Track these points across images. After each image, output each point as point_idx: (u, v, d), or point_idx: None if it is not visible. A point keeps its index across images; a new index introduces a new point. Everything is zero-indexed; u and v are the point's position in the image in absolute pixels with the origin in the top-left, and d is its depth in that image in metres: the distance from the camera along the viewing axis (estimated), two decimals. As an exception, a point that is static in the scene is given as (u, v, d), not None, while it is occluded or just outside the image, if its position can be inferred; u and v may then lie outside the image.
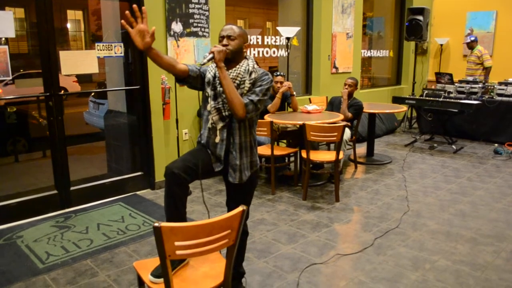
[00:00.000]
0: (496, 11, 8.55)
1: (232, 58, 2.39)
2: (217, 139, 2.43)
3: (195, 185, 4.75)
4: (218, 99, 2.41)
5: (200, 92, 2.52)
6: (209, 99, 2.43)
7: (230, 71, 2.39)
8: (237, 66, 2.41)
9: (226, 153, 2.45)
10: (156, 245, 1.68)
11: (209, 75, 2.45)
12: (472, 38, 7.92)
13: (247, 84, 2.39)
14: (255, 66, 2.45)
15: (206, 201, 4.50)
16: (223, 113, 2.40)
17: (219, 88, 2.40)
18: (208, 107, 2.44)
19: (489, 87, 7.05)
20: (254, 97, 2.36)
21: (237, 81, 2.39)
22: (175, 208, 2.30)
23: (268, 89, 2.42)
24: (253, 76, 2.40)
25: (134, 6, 2.14)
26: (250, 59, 2.46)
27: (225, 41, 2.38)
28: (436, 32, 9.41)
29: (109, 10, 4.95)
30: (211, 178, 5.18)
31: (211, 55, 2.29)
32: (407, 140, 7.32)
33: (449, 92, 7.19)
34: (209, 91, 2.44)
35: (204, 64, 2.32)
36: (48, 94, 4.06)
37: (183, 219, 2.34)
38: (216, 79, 2.41)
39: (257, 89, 2.38)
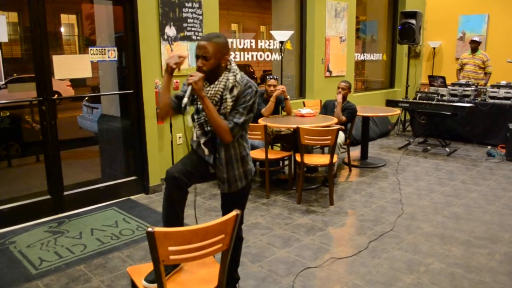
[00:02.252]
0: (488, 14, 8.63)
1: (210, 77, 2.29)
2: (206, 152, 2.41)
3: (189, 189, 4.73)
4: (199, 114, 2.38)
5: None
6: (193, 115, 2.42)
7: (208, 89, 2.30)
8: (216, 83, 2.30)
9: (215, 163, 2.43)
10: (150, 250, 1.68)
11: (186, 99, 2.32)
12: (478, 40, 7.69)
13: (229, 103, 2.29)
14: (238, 77, 2.30)
15: (200, 205, 4.49)
16: (205, 128, 2.38)
17: (199, 105, 2.35)
18: (190, 123, 2.44)
19: (482, 89, 7.10)
20: (238, 119, 2.28)
21: (216, 98, 2.30)
22: (174, 212, 2.30)
23: (254, 103, 2.32)
24: (235, 92, 2.28)
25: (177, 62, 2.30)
26: (231, 71, 2.32)
27: (199, 63, 2.25)
28: (429, 36, 9.48)
29: (103, 14, 4.94)
30: (205, 183, 5.17)
31: (189, 88, 2.20)
32: (401, 143, 7.35)
33: (442, 95, 7.24)
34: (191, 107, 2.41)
35: (187, 101, 2.20)
36: (41, 98, 4.04)
37: (181, 223, 2.33)
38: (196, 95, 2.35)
39: (241, 108, 2.29)
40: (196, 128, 2.42)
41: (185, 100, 2.19)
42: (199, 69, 2.25)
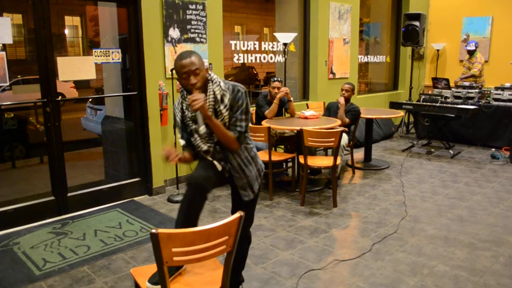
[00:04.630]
0: (492, 16, 8.61)
1: (202, 92, 2.25)
2: (219, 168, 2.38)
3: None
4: (194, 136, 2.36)
5: None
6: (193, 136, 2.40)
7: None
8: (205, 99, 2.25)
9: (231, 174, 2.42)
10: (153, 251, 1.68)
11: (178, 119, 2.38)
12: (471, 48, 7.80)
13: (225, 113, 2.27)
14: (222, 85, 2.27)
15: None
16: (204, 147, 2.35)
17: (191, 127, 2.34)
18: (181, 142, 2.44)
19: (486, 92, 7.09)
20: (239, 126, 2.29)
21: (209, 112, 2.26)
22: (195, 217, 2.27)
23: (248, 105, 2.31)
24: (226, 101, 2.26)
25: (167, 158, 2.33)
26: (213, 81, 2.28)
27: (193, 80, 2.19)
28: (433, 38, 9.46)
29: (107, 16, 4.96)
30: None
31: (198, 114, 2.17)
32: (404, 145, 7.33)
33: (446, 97, 7.22)
34: (184, 131, 2.41)
35: (205, 129, 2.22)
36: (45, 100, 4.05)
37: (196, 226, 2.31)
38: (185, 120, 2.36)
39: (238, 114, 2.28)
40: (197, 149, 2.40)
41: (203, 128, 2.18)
42: (193, 86, 2.19)
